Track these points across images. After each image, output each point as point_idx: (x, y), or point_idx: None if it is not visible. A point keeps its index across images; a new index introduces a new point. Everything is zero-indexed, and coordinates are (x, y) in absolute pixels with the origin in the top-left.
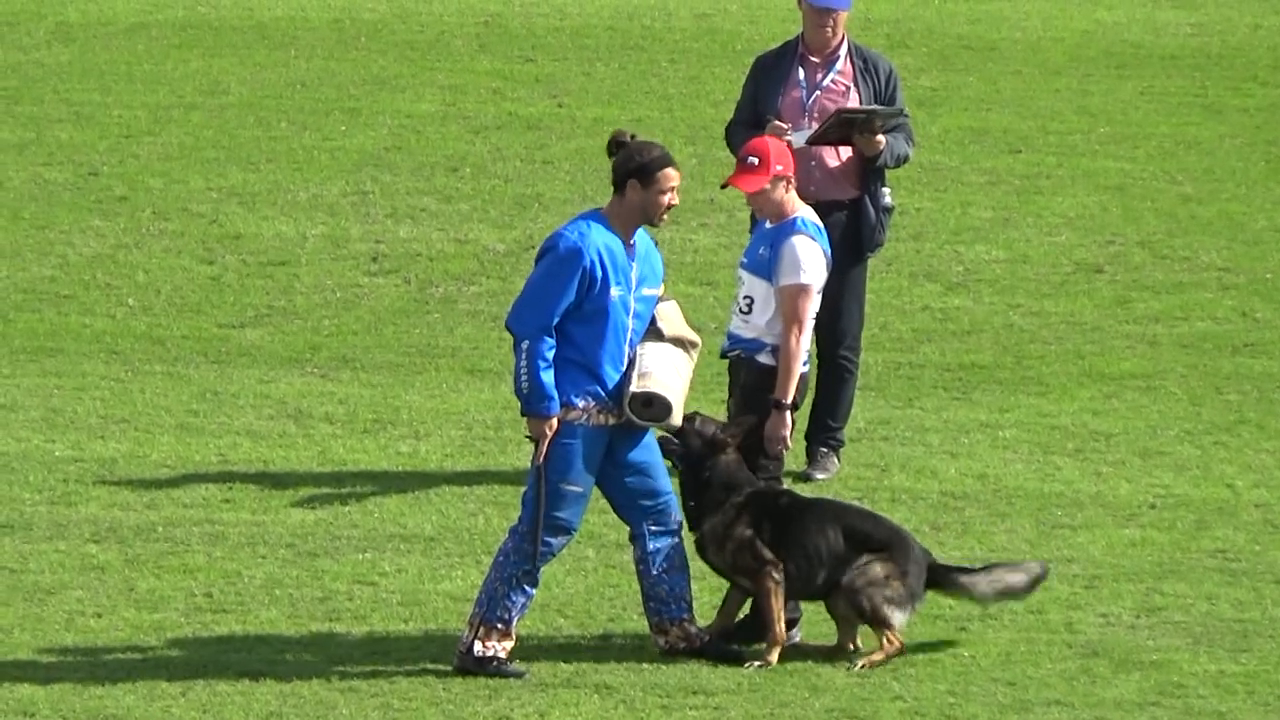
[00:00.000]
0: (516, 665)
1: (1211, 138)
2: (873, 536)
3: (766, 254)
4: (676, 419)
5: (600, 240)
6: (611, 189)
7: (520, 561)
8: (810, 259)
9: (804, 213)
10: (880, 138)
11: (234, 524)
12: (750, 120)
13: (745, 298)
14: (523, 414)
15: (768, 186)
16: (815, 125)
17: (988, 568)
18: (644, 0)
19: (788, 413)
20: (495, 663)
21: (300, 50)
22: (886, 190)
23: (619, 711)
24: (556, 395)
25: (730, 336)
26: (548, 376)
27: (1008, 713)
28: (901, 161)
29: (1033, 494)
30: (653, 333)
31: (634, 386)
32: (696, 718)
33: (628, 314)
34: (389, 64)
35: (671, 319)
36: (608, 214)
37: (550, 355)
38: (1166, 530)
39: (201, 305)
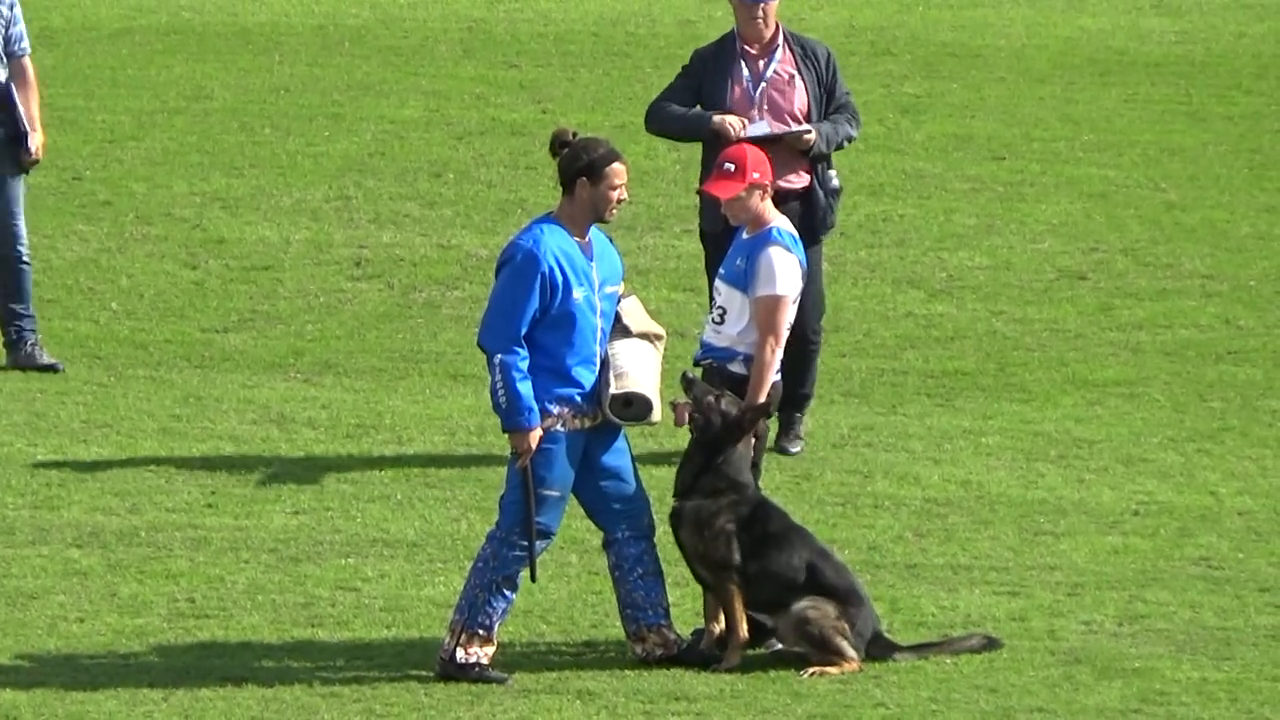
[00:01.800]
0: (499, 671)
1: (1195, 145)
2: (835, 588)
3: (743, 265)
4: (656, 415)
5: (556, 244)
6: (560, 190)
7: (500, 567)
8: (786, 270)
9: (780, 223)
10: (809, 135)
11: (217, 529)
12: (684, 104)
13: (719, 308)
14: (504, 430)
15: (743, 194)
16: (765, 116)
17: (929, 645)
18: (628, 6)
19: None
20: (477, 669)
21: (284, 55)
22: (833, 173)
23: (601, 718)
24: (536, 406)
25: (703, 345)
26: (525, 388)
27: (989, 719)
28: (845, 143)
29: (1015, 501)
30: (619, 330)
31: (612, 388)
32: None
33: (594, 314)
34: (373, 69)
35: (635, 314)
36: (559, 216)
37: (525, 366)
38: (1149, 537)
39: (185, 310)
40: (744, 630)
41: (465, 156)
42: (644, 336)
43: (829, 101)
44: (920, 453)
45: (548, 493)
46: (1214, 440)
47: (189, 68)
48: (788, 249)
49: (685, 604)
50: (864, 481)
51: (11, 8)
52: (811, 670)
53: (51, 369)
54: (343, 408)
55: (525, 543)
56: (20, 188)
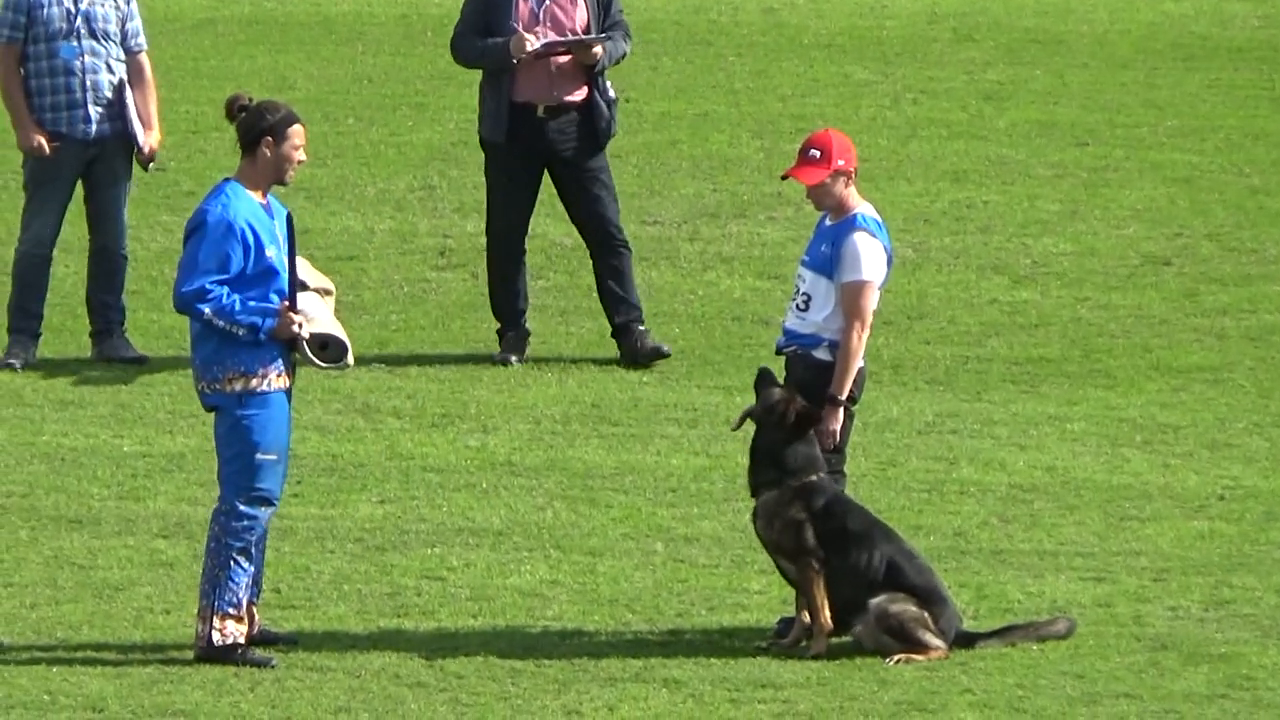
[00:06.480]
0: (262, 653)
1: (1279, 130)
2: (916, 587)
3: (828, 251)
4: (350, 359)
5: (244, 207)
6: (240, 153)
7: (232, 541)
8: (871, 255)
9: (864, 209)
10: (597, 49)
11: (302, 519)
12: (479, 31)
13: (803, 294)
14: (266, 340)
15: (828, 180)
16: (550, 33)
17: (1009, 630)
18: None
19: (841, 409)
20: (238, 649)
21: (367, 45)
22: (609, 84)
23: (687, 705)
24: (263, 309)
25: (786, 333)
26: (245, 312)
27: (1076, 705)
28: (621, 59)
29: (1101, 486)
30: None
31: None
32: (765, 711)
33: (285, 270)
34: None
35: (308, 272)
36: (241, 178)
37: (227, 295)
38: (1235, 522)
39: None
40: (827, 615)
41: None
42: (320, 291)
43: (605, 18)
44: (1005, 439)
45: (265, 458)
46: None
47: (272, 58)
48: (873, 234)
49: (771, 591)
50: (949, 468)
51: (128, 2)
52: (898, 657)
53: (137, 361)
54: (428, 397)
55: (251, 511)
56: (129, 184)
